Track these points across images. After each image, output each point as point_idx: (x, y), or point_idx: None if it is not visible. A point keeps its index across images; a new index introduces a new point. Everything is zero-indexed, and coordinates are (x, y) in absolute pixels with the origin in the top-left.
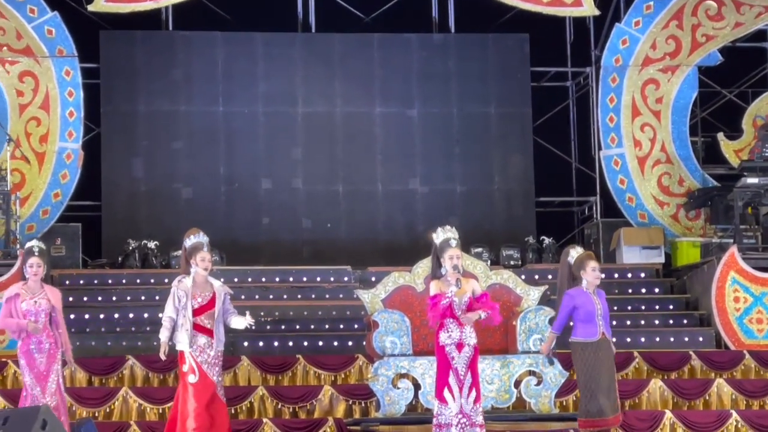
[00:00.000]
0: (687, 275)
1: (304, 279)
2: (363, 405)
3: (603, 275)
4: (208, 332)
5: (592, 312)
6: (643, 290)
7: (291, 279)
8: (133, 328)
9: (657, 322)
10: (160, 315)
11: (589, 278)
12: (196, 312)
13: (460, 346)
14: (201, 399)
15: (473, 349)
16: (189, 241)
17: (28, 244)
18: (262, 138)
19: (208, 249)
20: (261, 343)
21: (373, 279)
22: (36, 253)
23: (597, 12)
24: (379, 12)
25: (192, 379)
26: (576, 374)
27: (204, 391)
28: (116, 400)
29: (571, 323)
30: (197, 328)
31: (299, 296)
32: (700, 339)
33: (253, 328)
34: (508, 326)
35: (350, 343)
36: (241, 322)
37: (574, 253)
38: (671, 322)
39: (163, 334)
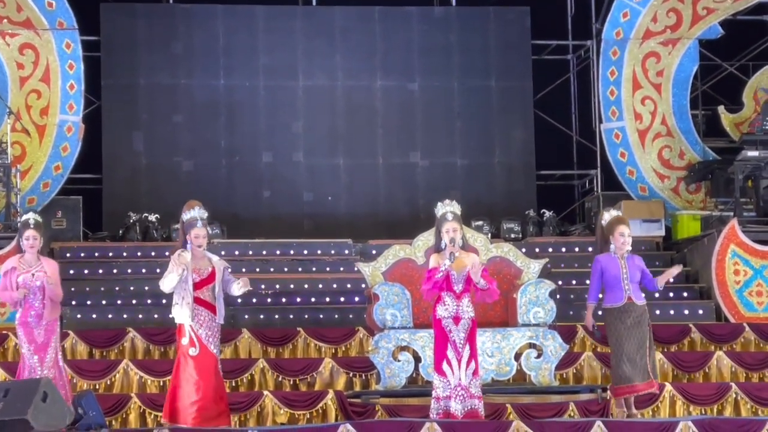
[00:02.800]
0: (687, 248)
1: (305, 252)
2: (363, 378)
3: (628, 245)
4: (209, 306)
5: (617, 276)
6: (644, 263)
7: (292, 252)
8: (133, 301)
9: (657, 294)
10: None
11: (616, 243)
12: (197, 286)
13: (456, 319)
14: (202, 372)
15: (471, 321)
16: (185, 216)
17: (24, 217)
18: (263, 111)
19: (202, 224)
20: (261, 316)
21: (374, 252)
22: (31, 226)
23: None
24: None
25: (193, 352)
26: (608, 340)
27: (206, 363)
28: (117, 372)
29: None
30: (198, 301)
31: (300, 269)
32: (700, 312)
33: (247, 291)
34: (508, 299)
35: (351, 316)
36: (237, 288)
37: (608, 216)
38: (671, 294)
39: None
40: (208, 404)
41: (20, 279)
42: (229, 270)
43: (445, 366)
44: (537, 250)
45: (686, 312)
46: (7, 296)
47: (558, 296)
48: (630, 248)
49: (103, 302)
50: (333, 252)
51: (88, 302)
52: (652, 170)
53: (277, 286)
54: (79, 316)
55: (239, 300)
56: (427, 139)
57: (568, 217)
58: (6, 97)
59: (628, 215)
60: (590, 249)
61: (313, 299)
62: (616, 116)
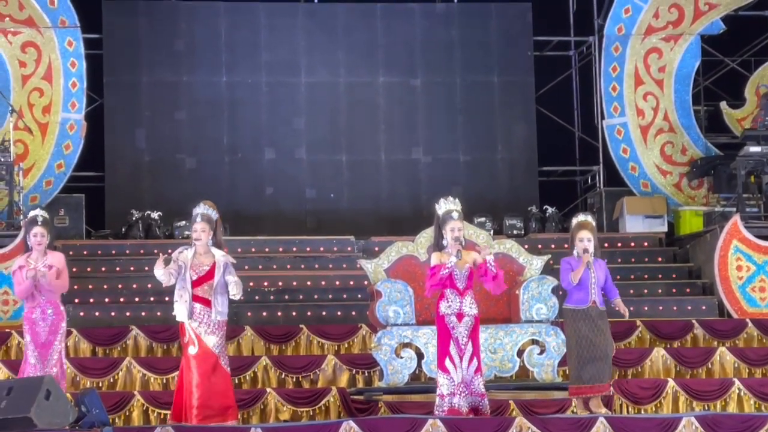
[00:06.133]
0: (690, 244)
1: (308, 249)
2: (366, 374)
3: (590, 249)
4: (206, 302)
5: (585, 279)
6: (646, 259)
7: (294, 249)
8: (136, 299)
9: (660, 290)
10: (164, 285)
11: (577, 248)
12: (195, 283)
13: (460, 315)
14: (201, 369)
15: (474, 318)
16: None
17: (32, 214)
18: (265, 108)
19: (200, 219)
20: (264, 313)
21: (376, 249)
22: (40, 223)
23: None
24: None
25: (192, 350)
26: (567, 340)
27: (204, 361)
28: (120, 370)
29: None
30: (196, 299)
31: (303, 266)
32: (703, 308)
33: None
34: (511, 295)
35: (353, 313)
36: (231, 286)
37: (575, 220)
38: (674, 290)
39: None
40: (208, 402)
41: (28, 276)
42: (233, 263)
43: (447, 363)
44: (539, 246)
45: (689, 308)
46: (25, 287)
47: (560, 292)
48: (593, 252)
49: (106, 300)
50: (335, 249)
51: (91, 300)
52: (654, 166)
53: (280, 283)
54: (82, 313)
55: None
56: (430, 136)
57: (571, 214)
58: (8, 95)
59: (631, 211)
60: (566, 245)
61: (315, 296)
62: (618, 112)
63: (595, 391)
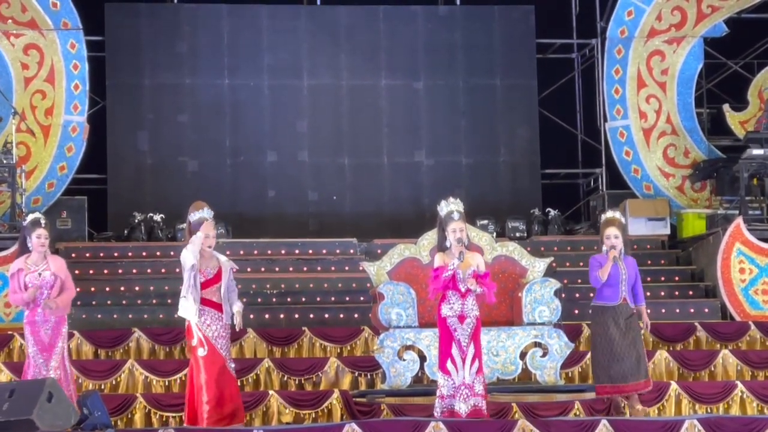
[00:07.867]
0: (692, 247)
1: (310, 251)
2: (369, 377)
3: (618, 246)
4: (216, 306)
5: (615, 277)
6: (649, 262)
7: (297, 251)
8: (139, 301)
9: (662, 293)
10: (167, 288)
11: (605, 245)
12: (204, 285)
13: (461, 317)
14: (211, 371)
15: (475, 320)
16: (193, 216)
17: (33, 216)
18: (267, 111)
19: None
20: (267, 316)
21: (379, 251)
22: (42, 225)
23: None
24: None
25: (201, 352)
26: (592, 338)
27: (213, 363)
28: (122, 372)
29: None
30: (204, 302)
31: (305, 268)
32: (706, 310)
33: (236, 268)
34: (513, 298)
35: (356, 315)
36: (234, 311)
37: (603, 216)
38: (677, 293)
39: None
40: (219, 404)
41: (27, 278)
42: (235, 270)
43: (449, 365)
44: (542, 248)
45: (692, 310)
46: (18, 298)
47: (563, 295)
48: (621, 249)
49: (109, 302)
50: (338, 251)
51: (94, 302)
52: (657, 169)
53: (282, 286)
54: (84, 316)
55: (244, 298)
56: (432, 138)
57: (573, 216)
58: (11, 97)
59: (633, 214)
60: (596, 247)
61: (318, 298)
62: (621, 115)
63: (624, 390)
